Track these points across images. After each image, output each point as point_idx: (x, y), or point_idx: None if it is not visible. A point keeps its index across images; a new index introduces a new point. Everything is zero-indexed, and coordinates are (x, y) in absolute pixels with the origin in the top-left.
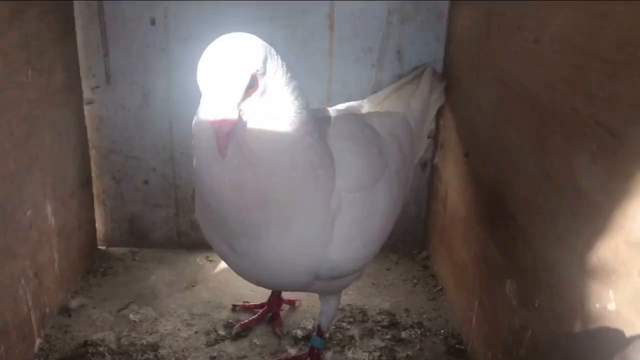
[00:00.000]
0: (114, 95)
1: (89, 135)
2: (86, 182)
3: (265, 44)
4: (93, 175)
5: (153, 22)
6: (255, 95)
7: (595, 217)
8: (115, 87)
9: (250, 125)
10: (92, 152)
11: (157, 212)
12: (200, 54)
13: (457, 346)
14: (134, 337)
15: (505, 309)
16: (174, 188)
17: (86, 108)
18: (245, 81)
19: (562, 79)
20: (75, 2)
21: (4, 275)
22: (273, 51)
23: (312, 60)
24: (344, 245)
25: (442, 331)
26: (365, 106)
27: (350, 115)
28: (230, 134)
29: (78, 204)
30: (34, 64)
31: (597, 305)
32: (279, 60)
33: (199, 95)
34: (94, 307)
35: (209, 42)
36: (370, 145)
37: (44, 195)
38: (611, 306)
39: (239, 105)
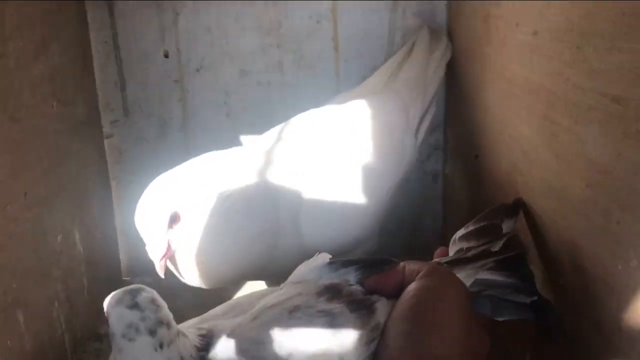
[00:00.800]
0: (133, 127)
1: (109, 168)
2: (108, 214)
3: (189, 178)
4: (114, 207)
5: (167, 55)
6: (178, 227)
7: (609, 185)
8: (133, 120)
9: (179, 253)
10: (113, 184)
11: None
12: (213, 83)
13: None
14: None
15: None
16: None
17: (106, 142)
18: (165, 219)
19: (564, 63)
20: (92, 40)
21: (41, 295)
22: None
23: (320, 82)
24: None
25: None
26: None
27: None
28: (164, 261)
29: (102, 235)
30: (59, 95)
31: (620, 267)
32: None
33: (212, 122)
34: None
35: (222, 70)
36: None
37: (72, 223)
38: (633, 264)
39: (165, 237)
